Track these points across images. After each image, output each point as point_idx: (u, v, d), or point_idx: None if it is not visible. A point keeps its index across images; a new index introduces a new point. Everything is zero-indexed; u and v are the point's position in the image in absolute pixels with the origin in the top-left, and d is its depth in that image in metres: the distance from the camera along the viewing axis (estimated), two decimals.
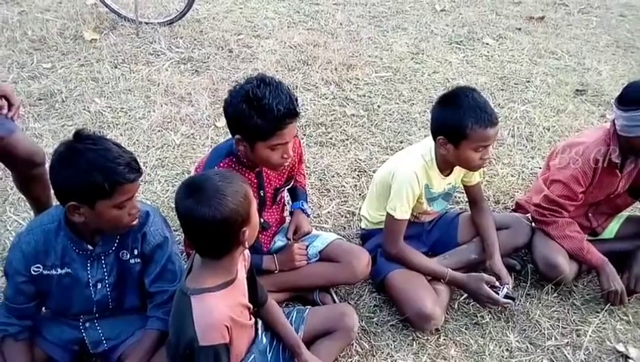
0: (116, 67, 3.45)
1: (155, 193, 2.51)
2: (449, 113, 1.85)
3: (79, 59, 3.49)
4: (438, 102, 1.93)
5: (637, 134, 1.94)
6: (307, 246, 2.01)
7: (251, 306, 1.57)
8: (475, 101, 1.82)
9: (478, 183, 2.16)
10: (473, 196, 2.17)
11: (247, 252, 1.56)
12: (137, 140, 2.83)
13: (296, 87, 3.37)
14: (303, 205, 2.09)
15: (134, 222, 1.54)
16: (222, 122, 2.99)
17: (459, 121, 1.80)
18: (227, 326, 1.39)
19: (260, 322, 1.69)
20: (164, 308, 1.62)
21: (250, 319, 1.58)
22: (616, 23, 4.79)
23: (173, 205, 2.39)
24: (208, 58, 3.61)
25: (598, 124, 3.14)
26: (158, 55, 3.60)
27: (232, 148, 1.76)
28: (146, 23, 3.89)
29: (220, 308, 1.38)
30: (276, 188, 1.94)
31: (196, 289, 1.38)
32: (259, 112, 1.59)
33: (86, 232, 1.54)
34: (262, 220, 1.86)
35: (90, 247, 1.55)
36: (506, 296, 1.96)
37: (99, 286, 1.60)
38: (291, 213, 2.12)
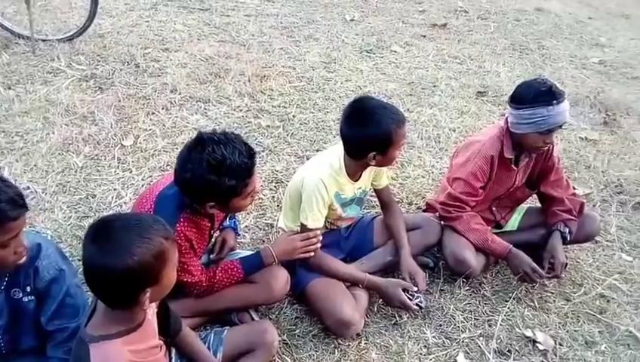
0: (10, 88, 3.20)
1: (56, 221, 2.34)
2: (372, 130, 1.86)
3: None
4: (353, 122, 1.90)
5: (523, 131, 2.09)
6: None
7: (163, 341, 1.49)
8: (384, 108, 1.89)
9: (387, 186, 2.22)
10: (383, 199, 2.23)
11: None
12: (35, 165, 2.63)
13: (209, 100, 3.30)
14: (235, 224, 2.11)
15: (22, 261, 1.41)
16: (129, 141, 2.87)
17: (384, 132, 1.85)
18: None
19: (173, 351, 1.61)
20: (65, 346, 1.49)
21: (161, 350, 1.50)
22: (511, 27, 5.17)
23: (77, 233, 2.29)
24: (113, 74, 3.44)
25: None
26: (57, 73, 3.38)
27: (180, 199, 1.69)
28: (43, 40, 3.64)
29: (120, 355, 1.28)
30: (221, 221, 1.95)
31: (95, 337, 1.29)
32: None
33: None
34: None
35: None
36: (417, 304, 2.02)
37: None
38: (220, 230, 2.07)
